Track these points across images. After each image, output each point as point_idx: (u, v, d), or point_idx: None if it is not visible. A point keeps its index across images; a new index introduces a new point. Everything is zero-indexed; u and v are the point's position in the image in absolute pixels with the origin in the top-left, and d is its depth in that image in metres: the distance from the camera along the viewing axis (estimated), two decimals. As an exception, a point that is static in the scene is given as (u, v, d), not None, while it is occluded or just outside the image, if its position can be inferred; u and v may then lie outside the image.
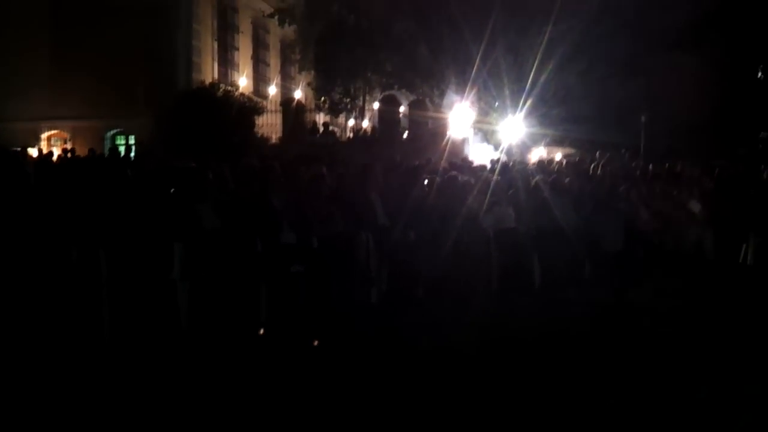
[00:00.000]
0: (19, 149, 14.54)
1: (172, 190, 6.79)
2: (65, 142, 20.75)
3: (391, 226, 7.44)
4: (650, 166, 12.42)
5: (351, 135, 22.09)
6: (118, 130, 21.40)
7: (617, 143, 17.36)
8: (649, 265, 7.75)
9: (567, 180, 9.12)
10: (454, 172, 8.93)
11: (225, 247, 6.12)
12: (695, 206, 9.32)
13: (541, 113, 19.61)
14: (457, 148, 17.85)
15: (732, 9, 20.98)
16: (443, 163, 12.69)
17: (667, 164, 12.78)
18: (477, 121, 20.65)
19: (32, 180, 7.25)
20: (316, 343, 5.75)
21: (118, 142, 21.15)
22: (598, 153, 14.58)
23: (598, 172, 11.29)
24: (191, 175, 6.99)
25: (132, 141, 20.61)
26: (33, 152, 16.27)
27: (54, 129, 21.09)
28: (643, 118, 18.83)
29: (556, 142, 20.39)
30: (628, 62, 19.88)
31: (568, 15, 18.38)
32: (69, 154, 15.69)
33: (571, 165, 12.87)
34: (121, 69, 19.53)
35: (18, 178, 7.20)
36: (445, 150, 15.71)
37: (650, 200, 9.00)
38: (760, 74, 23.92)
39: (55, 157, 14.07)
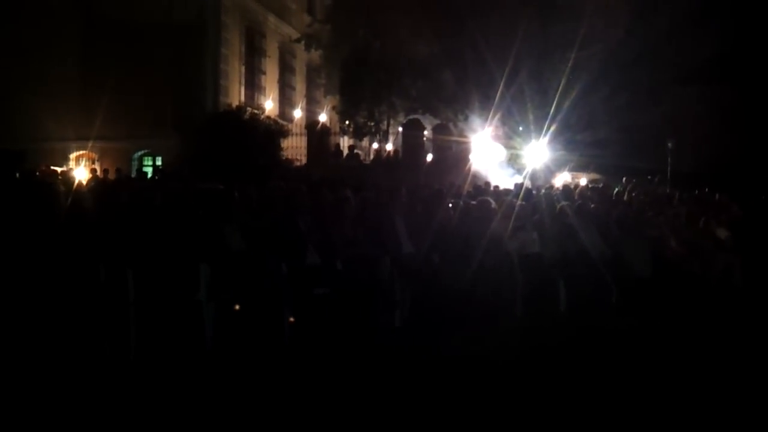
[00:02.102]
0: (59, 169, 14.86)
1: (199, 212, 6.87)
2: (93, 163, 21.09)
3: (415, 249, 7.45)
4: (677, 193, 12.30)
5: (374, 157, 22.19)
6: (146, 151, 21.72)
7: (643, 169, 17.23)
8: (677, 292, 7.65)
9: (593, 205, 9.07)
10: (486, 198, 8.89)
11: (250, 268, 6.17)
12: (723, 233, 9.20)
13: (566, 138, 19.54)
14: (480, 173, 17.85)
15: (759, 42, 20.80)
16: (467, 187, 12.71)
17: (694, 190, 12.66)
18: (501, 146, 20.65)
19: (63, 200, 7.39)
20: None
21: (145, 163, 21.47)
22: (624, 178, 14.48)
23: (625, 197, 11.21)
24: (218, 196, 7.08)
25: (159, 162, 20.91)
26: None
27: (83, 149, 21.44)
28: (669, 144, 18.68)
29: (580, 167, 20.30)
30: (654, 90, 19.78)
31: (593, 41, 18.39)
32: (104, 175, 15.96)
33: (597, 190, 12.79)
34: (150, 91, 19.86)
35: (48, 198, 7.35)
36: (468, 174, 15.71)
37: (678, 227, 8.90)
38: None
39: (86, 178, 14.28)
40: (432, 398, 4.91)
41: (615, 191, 12.35)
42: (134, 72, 19.61)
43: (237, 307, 6.05)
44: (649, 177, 16.34)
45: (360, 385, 5.18)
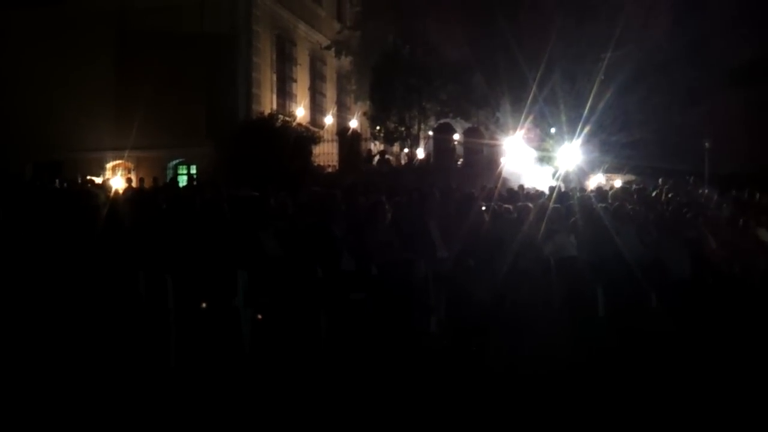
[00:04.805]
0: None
1: (235, 219, 6.94)
2: (129, 172, 21.43)
3: (449, 253, 7.42)
4: (716, 194, 12.07)
5: (405, 162, 22.20)
6: (180, 160, 22.01)
7: (679, 170, 16.96)
8: (717, 295, 7.49)
9: (630, 207, 8.95)
10: (527, 204, 8.81)
11: (286, 274, 6.21)
12: (764, 234, 9.00)
13: (600, 140, 19.33)
14: (513, 176, 17.75)
15: None
16: (498, 190, 12.63)
17: (734, 191, 12.41)
18: (533, 148, 20.51)
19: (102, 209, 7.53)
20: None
21: (180, 171, 21.75)
22: (660, 180, 14.26)
23: (662, 198, 11.04)
24: (254, 203, 7.15)
25: (194, 171, 21.18)
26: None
27: (119, 159, 21.82)
28: (707, 144, 18.33)
29: (615, 169, 20.05)
30: (691, 90, 19.46)
31: (628, 41, 18.18)
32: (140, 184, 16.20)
33: (634, 192, 12.61)
34: (184, 101, 20.15)
35: (89, 207, 7.49)
36: (500, 177, 15.62)
37: (717, 228, 8.73)
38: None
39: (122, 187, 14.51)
40: (469, 403, 4.88)
41: (652, 192, 12.17)
42: (168, 82, 19.92)
43: (259, 316, 6.08)
44: (687, 177, 16.06)
45: (396, 390, 5.18)
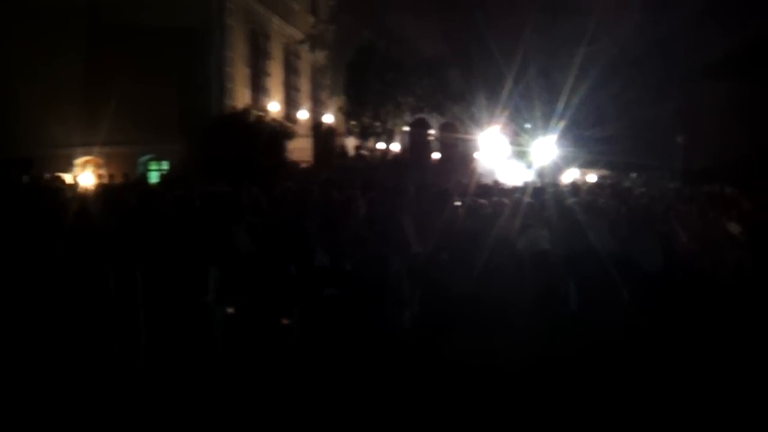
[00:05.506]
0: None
1: (207, 215, 6.84)
2: (99, 168, 21.08)
3: (423, 249, 7.40)
4: (687, 188, 12.21)
5: (380, 157, 22.18)
6: (152, 156, 21.73)
7: (653, 165, 17.16)
8: (688, 287, 7.57)
9: (602, 201, 9.00)
10: (501, 199, 8.81)
11: (259, 270, 6.14)
12: (734, 228, 9.12)
13: (574, 135, 19.48)
14: (488, 170, 17.82)
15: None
16: (473, 186, 12.64)
17: (705, 185, 12.57)
18: (508, 143, 20.62)
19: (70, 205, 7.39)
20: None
21: (151, 167, 21.47)
22: (634, 175, 14.41)
23: (636, 192, 11.14)
24: (226, 198, 7.06)
25: (165, 166, 20.92)
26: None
27: (89, 155, 21.45)
28: (679, 139, 18.57)
29: (589, 164, 20.24)
30: (664, 85, 19.68)
31: (602, 37, 18.34)
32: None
33: (606, 187, 12.72)
34: (155, 96, 19.85)
35: (56, 204, 7.35)
36: (474, 172, 15.67)
37: (688, 222, 8.82)
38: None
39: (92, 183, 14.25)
40: (442, 399, 4.87)
41: (625, 187, 12.28)
42: (139, 76, 19.60)
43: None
44: (664, 173, 16.25)
45: (368, 387, 5.15)
